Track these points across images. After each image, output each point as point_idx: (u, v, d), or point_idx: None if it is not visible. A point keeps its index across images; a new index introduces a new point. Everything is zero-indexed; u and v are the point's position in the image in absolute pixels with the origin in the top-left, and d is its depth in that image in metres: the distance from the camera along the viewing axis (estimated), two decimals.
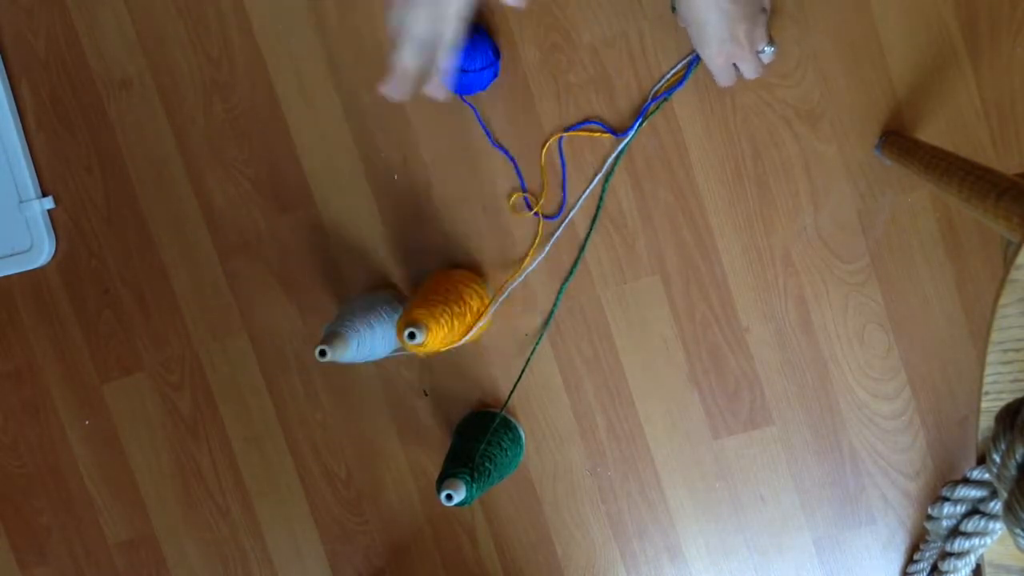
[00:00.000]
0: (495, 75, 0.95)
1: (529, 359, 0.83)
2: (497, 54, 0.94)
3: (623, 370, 1.00)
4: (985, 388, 0.59)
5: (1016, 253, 0.52)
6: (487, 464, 0.90)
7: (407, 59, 0.60)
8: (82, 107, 1.05)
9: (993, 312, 0.54)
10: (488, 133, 0.98)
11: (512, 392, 0.98)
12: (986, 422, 0.60)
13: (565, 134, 0.95)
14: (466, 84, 0.92)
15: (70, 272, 1.08)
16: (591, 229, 0.97)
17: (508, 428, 0.98)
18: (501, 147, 0.98)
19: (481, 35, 0.93)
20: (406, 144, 1.00)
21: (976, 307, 0.94)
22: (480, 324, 0.93)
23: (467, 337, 0.92)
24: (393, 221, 1.02)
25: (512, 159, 0.98)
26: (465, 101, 0.97)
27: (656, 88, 0.83)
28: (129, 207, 1.06)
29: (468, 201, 1.00)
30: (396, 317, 0.94)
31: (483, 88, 0.95)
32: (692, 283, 0.97)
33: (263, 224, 1.04)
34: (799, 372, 0.97)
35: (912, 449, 0.97)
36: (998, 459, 0.54)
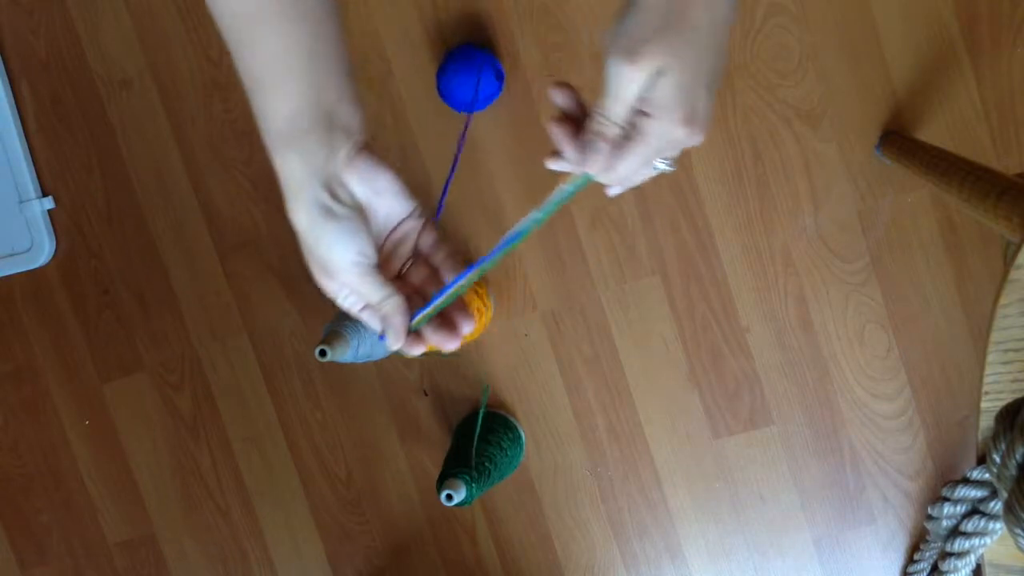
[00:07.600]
0: (498, 94, 0.95)
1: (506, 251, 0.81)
2: (500, 76, 0.93)
3: (623, 370, 1.00)
4: (985, 388, 0.59)
5: (1016, 253, 0.52)
6: (487, 464, 0.90)
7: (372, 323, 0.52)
8: (82, 107, 1.05)
9: (993, 312, 0.54)
10: (461, 148, 0.95)
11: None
12: (986, 422, 0.60)
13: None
14: (467, 104, 0.92)
15: (70, 272, 1.08)
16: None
17: (508, 428, 0.98)
18: (456, 145, 0.98)
19: (485, 60, 0.92)
20: (406, 144, 1.00)
21: (976, 307, 0.94)
22: (479, 324, 0.93)
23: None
24: None
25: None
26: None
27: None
28: (129, 207, 1.06)
29: (468, 202, 1.00)
30: None
31: (484, 108, 0.95)
32: (692, 283, 0.97)
33: (263, 224, 1.04)
34: (799, 372, 0.97)
35: (912, 449, 0.97)
36: (998, 459, 0.54)
